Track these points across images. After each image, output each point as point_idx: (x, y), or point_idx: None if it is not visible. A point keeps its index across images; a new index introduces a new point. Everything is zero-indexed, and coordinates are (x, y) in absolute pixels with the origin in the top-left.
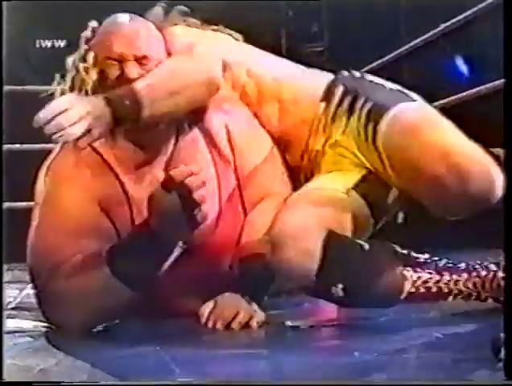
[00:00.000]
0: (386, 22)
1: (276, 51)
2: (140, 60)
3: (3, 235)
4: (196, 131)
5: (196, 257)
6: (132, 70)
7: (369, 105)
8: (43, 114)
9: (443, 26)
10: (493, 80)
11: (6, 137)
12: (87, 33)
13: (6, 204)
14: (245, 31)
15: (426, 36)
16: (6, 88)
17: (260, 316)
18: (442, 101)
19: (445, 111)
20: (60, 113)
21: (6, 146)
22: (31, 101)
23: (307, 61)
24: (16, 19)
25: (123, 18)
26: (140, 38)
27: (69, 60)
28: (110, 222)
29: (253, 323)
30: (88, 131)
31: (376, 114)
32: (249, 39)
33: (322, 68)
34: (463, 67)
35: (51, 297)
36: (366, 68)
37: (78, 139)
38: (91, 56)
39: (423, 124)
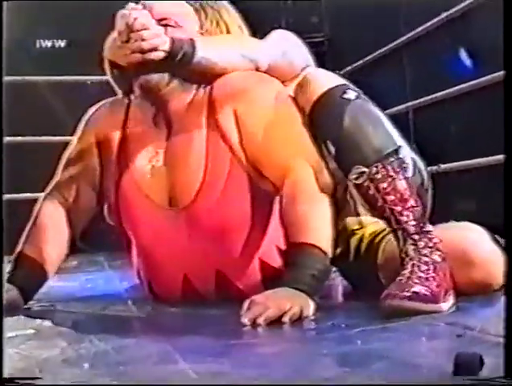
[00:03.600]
0: (385, 12)
1: None
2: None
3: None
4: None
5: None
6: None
7: None
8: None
9: (444, 14)
10: (494, 71)
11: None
12: None
13: (6, 196)
14: (245, 21)
15: (426, 25)
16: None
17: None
18: (442, 92)
19: (446, 102)
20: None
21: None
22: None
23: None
24: (16, 19)
25: None
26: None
27: None
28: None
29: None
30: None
31: None
32: (248, 29)
33: (323, 59)
34: (464, 58)
35: None
36: (366, 59)
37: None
38: None
39: None
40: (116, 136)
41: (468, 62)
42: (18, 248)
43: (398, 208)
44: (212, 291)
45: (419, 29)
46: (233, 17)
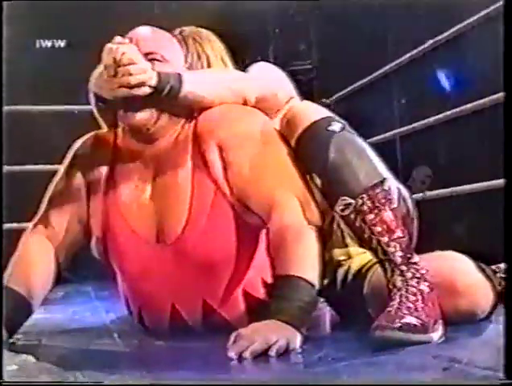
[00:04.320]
0: (374, 38)
1: None
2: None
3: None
4: (190, 135)
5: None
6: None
7: None
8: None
9: (430, 42)
10: (484, 94)
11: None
12: None
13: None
14: (232, 48)
15: (415, 52)
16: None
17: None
18: (429, 119)
19: (433, 129)
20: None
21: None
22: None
23: (295, 79)
24: (16, 19)
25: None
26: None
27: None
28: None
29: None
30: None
31: None
32: (235, 56)
33: (311, 86)
34: (453, 82)
35: None
36: (355, 85)
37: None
38: None
39: None
40: (103, 170)
41: (458, 85)
42: (3, 281)
43: (385, 239)
44: (199, 320)
45: (407, 56)
46: (216, 49)
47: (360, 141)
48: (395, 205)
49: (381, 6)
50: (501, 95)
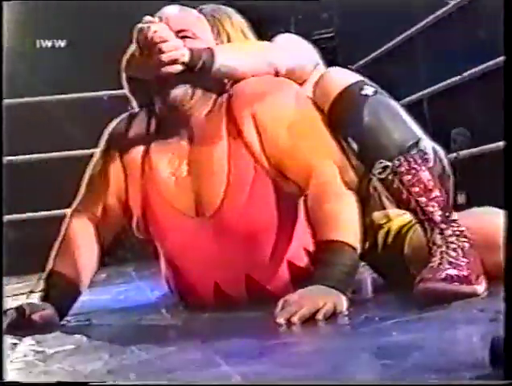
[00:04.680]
0: (395, 3)
1: None
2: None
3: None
4: (224, 109)
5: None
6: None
7: None
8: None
9: (452, 3)
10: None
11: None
12: None
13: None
14: (255, 20)
15: (436, 14)
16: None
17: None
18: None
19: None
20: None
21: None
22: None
23: (318, 47)
24: (16, 19)
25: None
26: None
27: None
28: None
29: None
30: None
31: None
32: (258, 28)
33: (334, 53)
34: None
35: None
36: (376, 53)
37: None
38: None
39: None
40: (139, 149)
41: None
42: (49, 266)
43: (424, 199)
44: (244, 296)
45: (429, 18)
46: (236, 25)
47: (393, 103)
48: (431, 165)
49: None
50: None
